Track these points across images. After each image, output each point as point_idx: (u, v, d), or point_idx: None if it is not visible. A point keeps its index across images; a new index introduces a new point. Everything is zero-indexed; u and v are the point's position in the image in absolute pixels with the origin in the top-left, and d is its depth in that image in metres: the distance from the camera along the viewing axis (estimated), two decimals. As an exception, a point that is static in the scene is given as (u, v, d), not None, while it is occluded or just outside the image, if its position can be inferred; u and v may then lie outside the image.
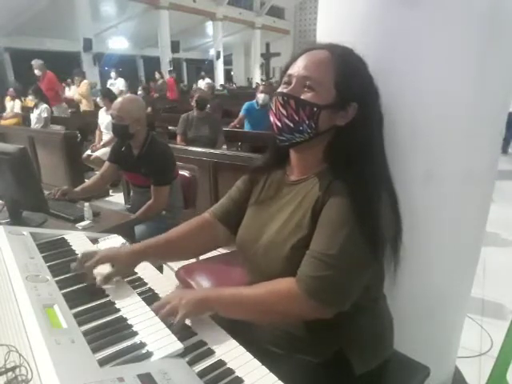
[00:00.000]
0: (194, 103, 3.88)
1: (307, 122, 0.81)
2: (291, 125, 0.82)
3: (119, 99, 2.07)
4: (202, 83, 10.78)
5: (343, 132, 0.83)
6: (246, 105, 4.68)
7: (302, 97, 0.81)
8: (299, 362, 0.88)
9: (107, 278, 0.88)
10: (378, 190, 0.80)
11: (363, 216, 0.77)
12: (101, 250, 0.95)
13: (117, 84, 8.56)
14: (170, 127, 5.74)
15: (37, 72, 5.80)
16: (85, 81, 6.86)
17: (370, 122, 0.83)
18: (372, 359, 0.91)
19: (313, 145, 0.86)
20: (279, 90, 0.85)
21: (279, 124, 0.84)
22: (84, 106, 6.70)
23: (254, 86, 16.18)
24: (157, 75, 10.61)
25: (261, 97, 4.41)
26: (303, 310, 0.79)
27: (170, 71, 11.45)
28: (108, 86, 8.46)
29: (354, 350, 0.87)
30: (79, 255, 0.93)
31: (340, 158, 0.83)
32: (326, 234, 0.79)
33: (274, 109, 0.85)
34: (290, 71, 0.85)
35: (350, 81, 0.81)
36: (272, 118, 0.86)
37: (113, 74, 8.89)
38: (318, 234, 0.80)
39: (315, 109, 0.80)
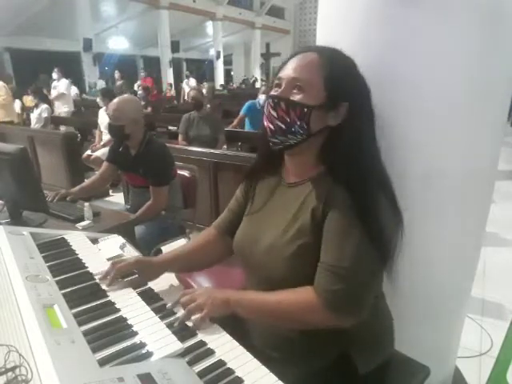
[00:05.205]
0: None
1: (298, 122, 0.81)
2: (283, 126, 0.83)
3: (115, 100, 2.06)
4: (188, 83, 9.75)
5: (336, 132, 0.84)
6: (247, 103, 4.66)
7: (292, 98, 0.81)
8: (301, 366, 0.88)
9: (135, 284, 0.93)
10: (376, 187, 0.81)
11: (368, 221, 0.77)
12: (131, 257, 1.00)
13: (59, 86, 6.26)
14: (170, 127, 5.74)
15: None
16: None
17: (361, 120, 0.83)
18: (372, 359, 0.91)
19: (306, 147, 0.86)
20: (270, 93, 0.86)
21: (272, 127, 0.84)
22: (2, 116, 5.16)
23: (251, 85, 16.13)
24: (116, 75, 8.61)
25: (262, 97, 4.40)
26: (322, 321, 0.80)
27: (143, 68, 9.50)
28: (52, 88, 6.44)
29: (355, 350, 0.87)
30: (111, 262, 0.96)
31: (335, 159, 0.83)
32: (336, 245, 0.79)
33: (266, 112, 0.86)
34: (280, 74, 0.86)
35: (339, 81, 0.81)
36: (265, 122, 0.86)
37: (54, 75, 6.27)
38: (326, 244, 0.80)
39: (305, 109, 0.81)
